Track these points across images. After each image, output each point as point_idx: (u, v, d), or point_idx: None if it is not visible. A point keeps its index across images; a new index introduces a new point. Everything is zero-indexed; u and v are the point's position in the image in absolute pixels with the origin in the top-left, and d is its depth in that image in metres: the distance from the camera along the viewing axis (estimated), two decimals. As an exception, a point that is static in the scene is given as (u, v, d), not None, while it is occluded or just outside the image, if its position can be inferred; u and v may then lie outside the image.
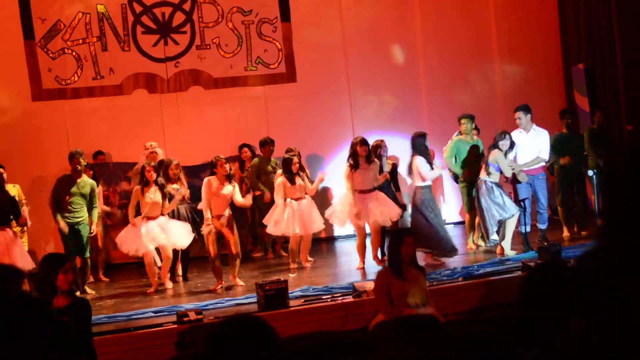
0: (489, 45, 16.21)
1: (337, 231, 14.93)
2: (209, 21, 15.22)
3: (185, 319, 8.54)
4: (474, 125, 12.56)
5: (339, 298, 9.28)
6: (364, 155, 11.43)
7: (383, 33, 15.81)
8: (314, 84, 15.43)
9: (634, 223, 1.44)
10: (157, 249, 11.45)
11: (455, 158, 12.45)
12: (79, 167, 11.45)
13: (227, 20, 15.30)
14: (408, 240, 7.62)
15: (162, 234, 11.14)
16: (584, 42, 15.71)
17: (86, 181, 11.56)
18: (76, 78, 14.60)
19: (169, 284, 11.40)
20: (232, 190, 10.93)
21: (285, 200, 11.87)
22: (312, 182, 12.29)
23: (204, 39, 15.20)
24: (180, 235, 11.35)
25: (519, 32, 16.09)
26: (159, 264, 11.61)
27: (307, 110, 15.34)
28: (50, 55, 14.48)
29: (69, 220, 11.42)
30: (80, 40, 14.65)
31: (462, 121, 12.44)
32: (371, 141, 11.91)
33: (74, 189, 11.42)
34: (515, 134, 11.84)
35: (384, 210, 11.43)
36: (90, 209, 11.59)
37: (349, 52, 15.70)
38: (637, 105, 14.06)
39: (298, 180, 11.91)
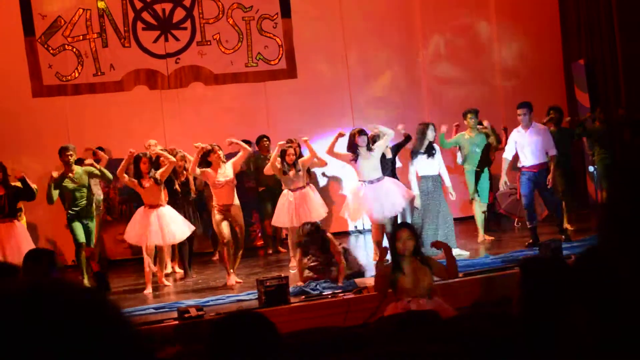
0: (490, 41, 16.22)
1: (336, 227, 14.95)
2: (210, 17, 15.22)
3: (187, 315, 8.54)
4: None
5: (340, 294, 9.28)
6: (363, 145, 11.41)
7: (384, 28, 15.81)
8: (315, 80, 15.44)
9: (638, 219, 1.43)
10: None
11: (461, 151, 12.58)
12: (70, 160, 11.46)
13: (227, 17, 15.29)
14: (399, 235, 7.59)
15: (159, 232, 11.10)
16: (584, 38, 15.71)
17: (80, 172, 11.55)
18: (77, 74, 14.60)
19: (167, 282, 11.39)
20: (230, 170, 11.00)
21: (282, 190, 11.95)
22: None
23: (205, 35, 15.20)
24: (177, 229, 11.31)
25: (519, 27, 16.10)
26: (153, 268, 11.61)
27: (307, 106, 15.34)
28: (51, 51, 14.48)
29: (75, 215, 11.43)
30: (81, 37, 14.65)
31: (469, 116, 12.47)
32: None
33: (70, 184, 11.42)
34: (514, 134, 11.86)
35: (390, 199, 11.37)
36: (89, 197, 11.59)
37: (350, 47, 15.71)
38: (638, 101, 14.05)
39: (292, 172, 11.88)
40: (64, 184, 11.43)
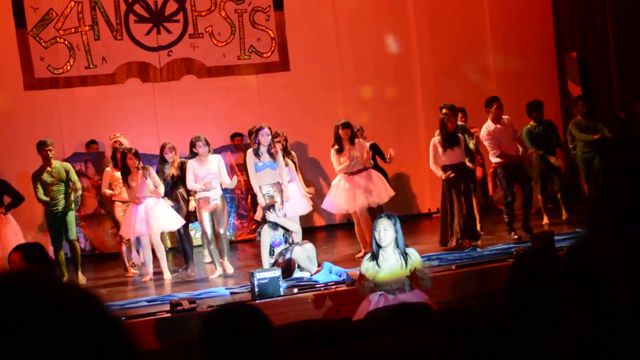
0: (483, 35, 16.21)
1: (329, 219, 14.97)
2: (202, 10, 15.19)
3: (179, 307, 8.55)
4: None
5: (333, 286, 9.28)
6: (347, 138, 11.44)
7: (376, 22, 15.80)
8: (307, 73, 15.41)
9: (629, 211, 1.44)
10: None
11: None
12: (49, 154, 11.43)
13: (220, 9, 15.27)
14: (378, 225, 7.59)
15: (144, 222, 11.07)
16: (577, 31, 15.73)
17: (59, 167, 11.52)
18: (69, 67, 14.56)
19: (167, 274, 11.34)
20: (214, 164, 10.97)
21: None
22: (296, 167, 12.29)
23: (197, 27, 15.17)
24: (167, 218, 11.29)
25: (512, 21, 16.09)
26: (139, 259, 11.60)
27: (300, 98, 15.32)
28: (43, 44, 14.44)
29: (53, 210, 11.40)
30: (73, 29, 14.61)
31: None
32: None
33: (48, 178, 11.38)
34: (488, 129, 11.73)
35: (374, 190, 11.43)
36: (67, 191, 11.56)
37: (342, 40, 15.70)
38: (629, 93, 14.08)
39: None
40: (42, 178, 11.40)
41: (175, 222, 11.37)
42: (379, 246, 7.58)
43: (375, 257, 7.61)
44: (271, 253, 10.23)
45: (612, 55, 14.71)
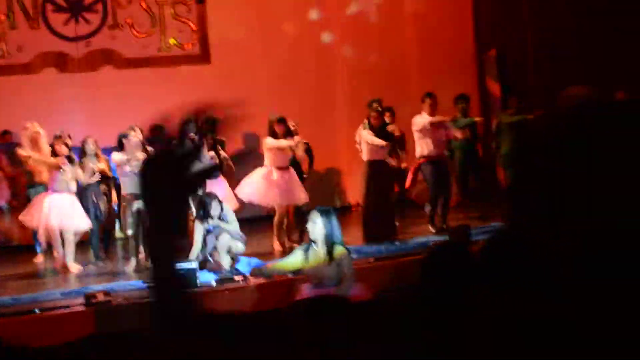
0: (402, 34, 16.32)
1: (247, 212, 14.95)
2: (122, 0, 14.98)
3: (94, 300, 8.44)
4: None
5: (251, 279, 9.27)
6: (282, 133, 11.45)
7: (295, 15, 15.81)
8: (229, 66, 15.30)
9: (546, 201, 1.44)
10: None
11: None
12: None
13: (140, 0, 15.08)
14: (309, 218, 7.69)
15: (60, 215, 10.90)
16: (497, 29, 15.92)
17: None
18: (-18, 56, 14.25)
19: (74, 268, 11.16)
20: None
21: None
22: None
23: (117, 18, 14.95)
24: (80, 218, 11.14)
25: (432, 18, 16.22)
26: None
27: (221, 92, 15.17)
28: (-44, 32, 14.12)
29: None
30: (-13, 18, 14.31)
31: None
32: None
33: None
34: (422, 120, 11.97)
35: (294, 190, 11.47)
36: None
37: (266, 35, 15.64)
38: (546, 89, 14.30)
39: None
40: None
41: (86, 222, 11.22)
42: (311, 240, 7.66)
43: (308, 248, 7.69)
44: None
45: (529, 51, 14.94)
